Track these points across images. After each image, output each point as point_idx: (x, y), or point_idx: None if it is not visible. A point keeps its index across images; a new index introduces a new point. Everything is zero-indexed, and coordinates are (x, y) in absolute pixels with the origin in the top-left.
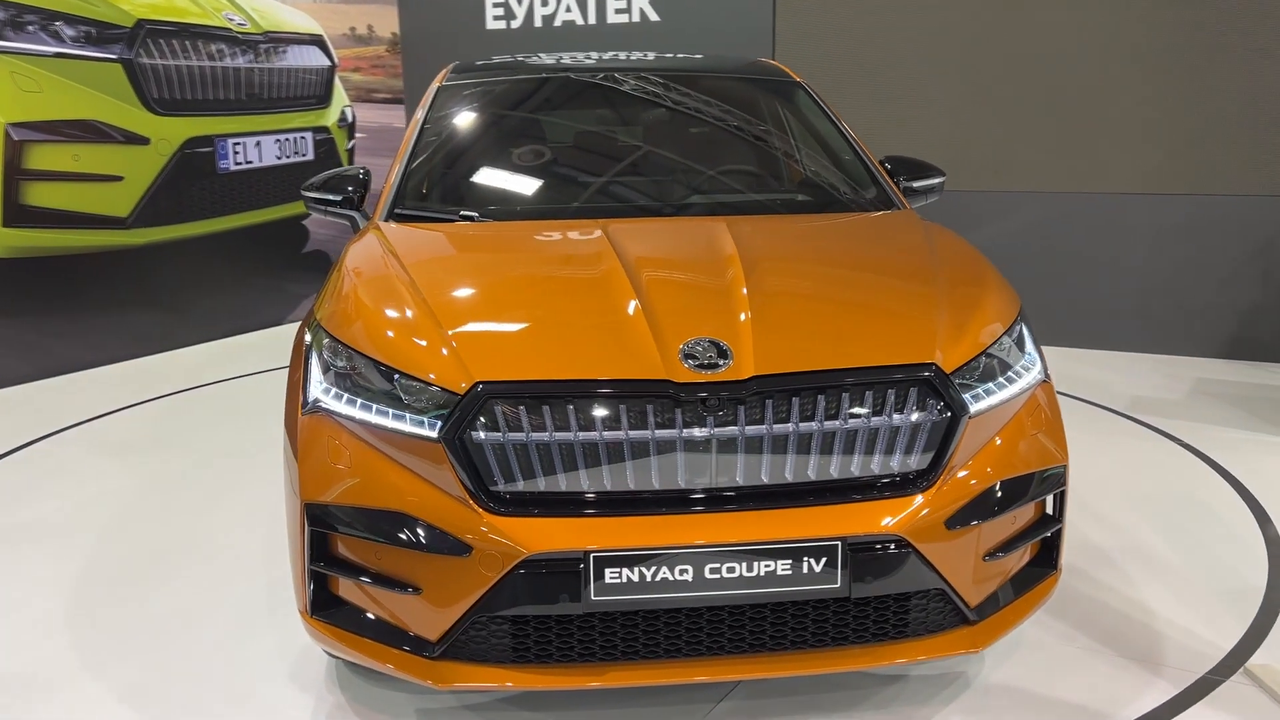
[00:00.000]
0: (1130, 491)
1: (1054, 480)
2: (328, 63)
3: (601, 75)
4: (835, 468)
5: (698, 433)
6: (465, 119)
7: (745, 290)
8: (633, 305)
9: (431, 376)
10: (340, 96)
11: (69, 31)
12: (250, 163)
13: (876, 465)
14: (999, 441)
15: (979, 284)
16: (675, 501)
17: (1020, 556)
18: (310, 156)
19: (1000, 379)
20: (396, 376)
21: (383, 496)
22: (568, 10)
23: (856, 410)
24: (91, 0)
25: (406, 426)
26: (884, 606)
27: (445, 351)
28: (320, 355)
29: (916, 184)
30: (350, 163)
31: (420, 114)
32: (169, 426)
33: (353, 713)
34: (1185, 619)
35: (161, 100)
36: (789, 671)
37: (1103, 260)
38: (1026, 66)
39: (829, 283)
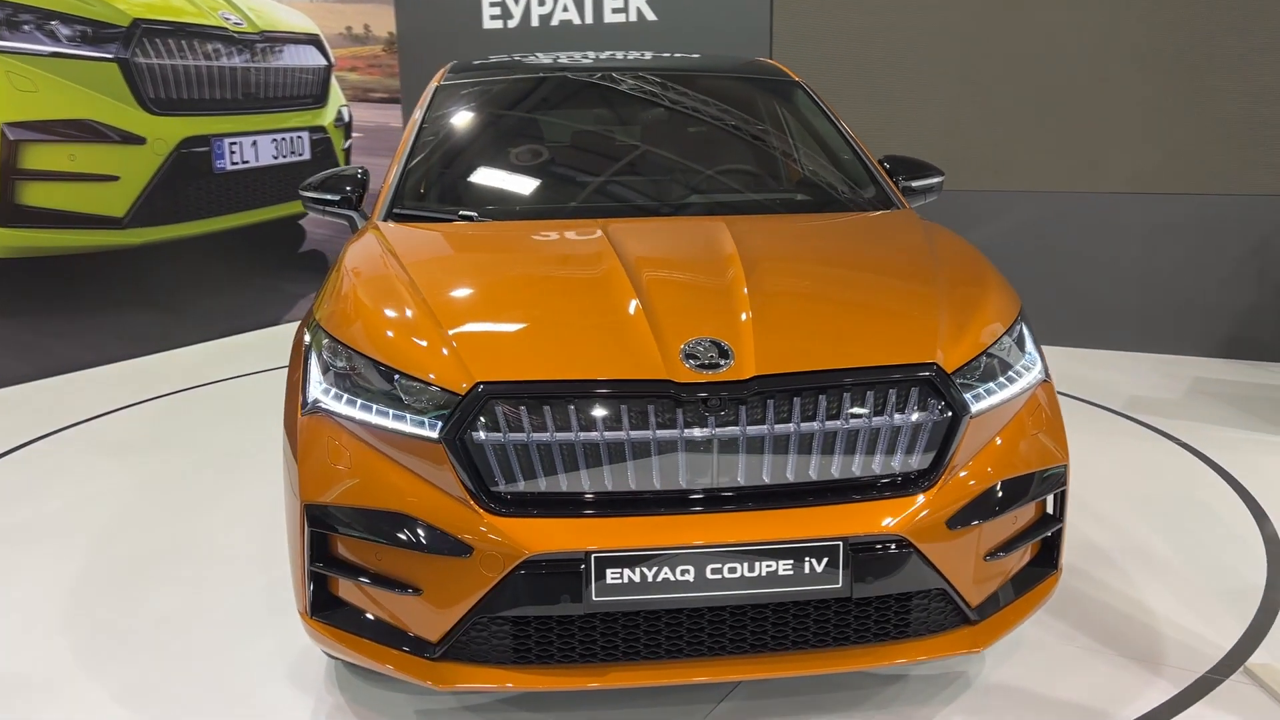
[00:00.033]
0: (1129, 491)
1: (1055, 480)
2: (324, 62)
3: (601, 75)
4: (836, 468)
5: (699, 433)
6: (464, 119)
7: (746, 290)
8: (633, 305)
9: (432, 377)
10: (337, 96)
11: (65, 31)
12: (246, 162)
13: (878, 465)
14: (1000, 441)
15: (979, 284)
16: (676, 502)
17: (1021, 556)
18: (307, 156)
19: (1001, 378)
20: (397, 377)
21: (383, 497)
22: (564, 10)
23: (858, 410)
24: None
25: (407, 427)
26: (885, 606)
27: (446, 352)
28: (320, 355)
29: (915, 183)
30: (347, 162)
31: (418, 114)
32: (167, 426)
33: (352, 714)
34: (1185, 618)
35: (157, 100)
36: (790, 672)
37: (1101, 260)
38: (1024, 66)
39: (829, 282)
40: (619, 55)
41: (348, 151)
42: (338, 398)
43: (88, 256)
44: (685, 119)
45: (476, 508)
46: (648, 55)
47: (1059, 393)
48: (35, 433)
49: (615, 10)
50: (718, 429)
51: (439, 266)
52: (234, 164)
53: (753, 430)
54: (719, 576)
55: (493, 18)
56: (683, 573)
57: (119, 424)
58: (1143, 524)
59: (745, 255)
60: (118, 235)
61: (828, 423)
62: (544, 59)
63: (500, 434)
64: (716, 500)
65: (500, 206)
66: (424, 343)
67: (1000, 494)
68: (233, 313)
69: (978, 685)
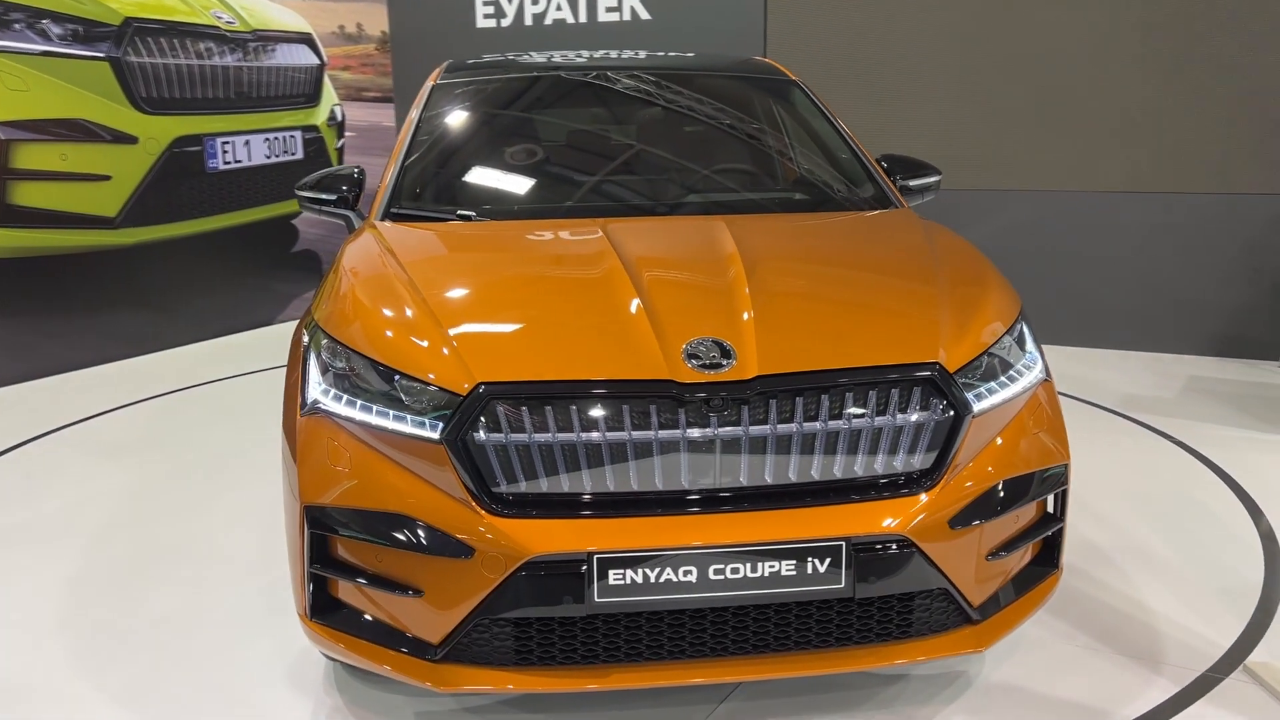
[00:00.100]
0: (1126, 489)
1: (1055, 479)
2: (317, 61)
3: (600, 74)
4: (839, 468)
5: (701, 433)
6: (461, 118)
7: (748, 289)
8: (634, 304)
9: (432, 377)
10: (329, 95)
11: (56, 30)
12: (239, 162)
13: (880, 465)
14: (1001, 441)
15: (980, 283)
16: (679, 502)
17: (1022, 556)
18: (300, 155)
19: (1002, 378)
20: (397, 377)
21: (383, 498)
22: (558, 9)
23: (860, 410)
24: None
25: (407, 428)
26: (888, 606)
27: (446, 352)
28: (319, 356)
29: (913, 183)
30: (340, 161)
31: (415, 113)
32: (163, 426)
33: (351, 715)
34: (1184, 617)
35: (149, 99)
36: (793, 672)
37: (1095, 258)
38: (1021, 66)
39: (830, 282)
40: (613, 54)
41: (341, 151)
42: (337, 398)
43: (80, 257)
44: (686, 118)
45: (478, 509)
46: (642, 54)
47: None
48: (30, 433)
49: (609, 9)
50: (720, 429)
51: (438, 266)
52: (226, 163)
53: (755, 430)
54: (721, 577)
55: (486, 16)
56: (685, 573)
57: (114, 424)
58: (1140, 522)
59: (746, 255)
60: (110, 235)
61: (830, 422)
62: (539, 58)
63: (502, 434)
64: (719, 501)
65: (499, 206)
66: (424, 343)
67: (1002, 493)
68: (226, 313)
69: (979, 685)
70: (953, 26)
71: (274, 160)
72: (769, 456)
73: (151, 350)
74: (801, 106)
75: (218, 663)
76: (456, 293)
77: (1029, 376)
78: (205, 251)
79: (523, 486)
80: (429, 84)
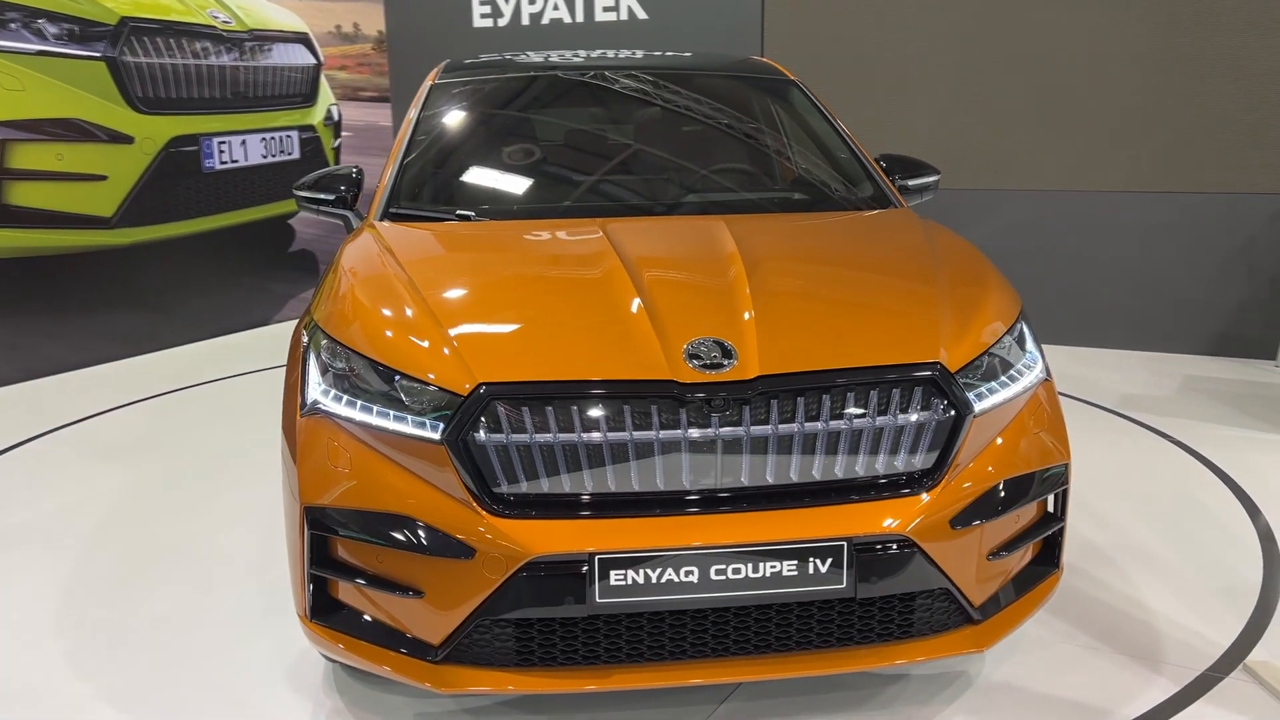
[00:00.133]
0: (1124, 489)
1: (1056, 479)
2: (313, 60)
3: (599, 74)
4: (840, 468)
5: (702, 433)
6: (460, 117)
7: (748, 289)
8: (635, 304)
9: (432, 377)
10: (326, 95)
11: (52, 29)
12: (236, 161)
13: (881, 465)
14: (1001, 441)
15: (980, 283)
16: (680, 503)
17: (1023, 555)
18: (296, 155)
19: (1003, 378)
20: (397, 378)
21: (384, 499)
22: (555, 8)
23: (861, 410)
24: None
25: (408, 428)
26: (889, 607)
27: (447, 352)
28: (318, 356)
29: (911, 182)
30: (336, 161)
31: (413, 113)
32: (160, 427)
33: (351, 716)
34: (1183, 616)
35: (146, 99)
36: (795, 673)
37: (1091, 258)
38: (1019, 65)
39: (831, 282)
40: (610, 54)
41: (337, 150)
42: (337, 399)
43: (76, 257)
44: (686, 118)
45: (479, 509)
46: (639, 54)
47: None
48: (28, 433)
49: (606, 9)
50: (721, 429)
51: (438, 266)
52: (223, 163)
53: (756, 430)
54: (723, 577)
55: (483, 16)
56: (686, 574)
57: (112, 424)
58: (1139, 522)
59: (746, 254)
60: (106, 235)
61: (831, 422)
62: (537, 58)
63: (503, 435)
64: (720, 501)
65: (498, 205)
66: (424, 343)
67: (1003, 493)
68: (222, 313)
69: (979, 684)
70: (952, 26)
71: (270, 160)
72: (770, 456)
73: (148, 350)
74: (800, 106)
75: (217, 663)
76: (456, 293)
77: (1029, 376)
78: (202, 251)
79: (524, 487)
80: (427, 83)
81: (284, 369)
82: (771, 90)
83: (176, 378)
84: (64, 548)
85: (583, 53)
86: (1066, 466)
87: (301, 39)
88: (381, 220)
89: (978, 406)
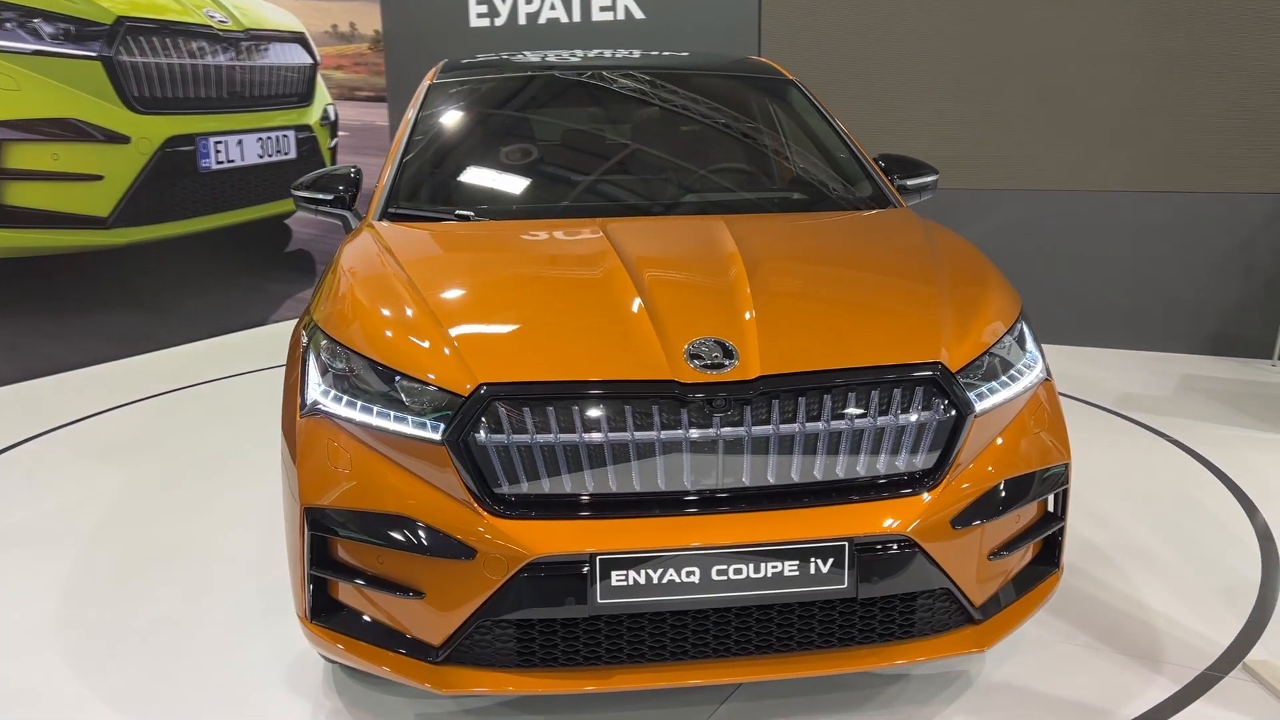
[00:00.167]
0: (1123, 488)
1: (1056, 478)
2: (310, 60)
3: (598, 74)
4: (841, 468)
5: (703, 433)
6: (459, 117)
7: (749, 289)
8: (636, 304)
9: (433, 378)
10: (322, 94)
11: (48, 29)
12: (232, 161)
13: (882, 465)
14: (1002, 440)
15: (980, 283)
16: (681, 503)
17: (1023, 555)
18: (293, 155)
19: (1003, 377)
20: (397, 378)
21: (384, 500)
22: (552, 8)
23: (862, 410)
24: None
25: (408, 429)
26: (890, 607)
27: (447, 352)
28: (318, 357)
29: (910, 182)
30: (333, 161)
31: (411, 112)
32: (158, 427)
33: (350, 717)
34: (1183, 615)
35: (142, 98)
36: (796, 673)
37: (1089, 257)
38: (1017, 65)
39: (831, 281)
40: (607, 54)
41: (334, 150)
42: (337, 399)
43: (73, 257)
44: (685, 118)
45: (480, 510)
46: (636, 54)
47: None
48: (26, 433)
49: (603, 8)
50: (722, 429)
51: (437, 266)
52: (219, 163)
53: (758, 430)
54: (724, 578)
55: (479, 15)
56: (688, 574)
57: (110, 424)
58: (1138, 521)
59: (747, 254)
60: (102, 235)
61: (833, 423)
62: (534, 58)
63: (504, 435)
64: (721, 501)
65: (497, 205)
66: (425, 343)
67: (1004, 493)
68: (219, 313)
69: (979, 684)
70: (950, 25)
71: (267, 160)
72: (771, 457)
73: (145, 351)
74: (799, 106)
75: (217, 664)
76: (456, 293)
77: (1030, 376)
78: (198, 251)
79: (525, 487)
80: (426, 83)
81: (281, 369)
82: (770, 90)
83: (174, 378)
84: (63, 548)
85: (580, 52)
86: (1067, 466)
87: (298, 38)
88: (380, 220)
89: (979, 406)
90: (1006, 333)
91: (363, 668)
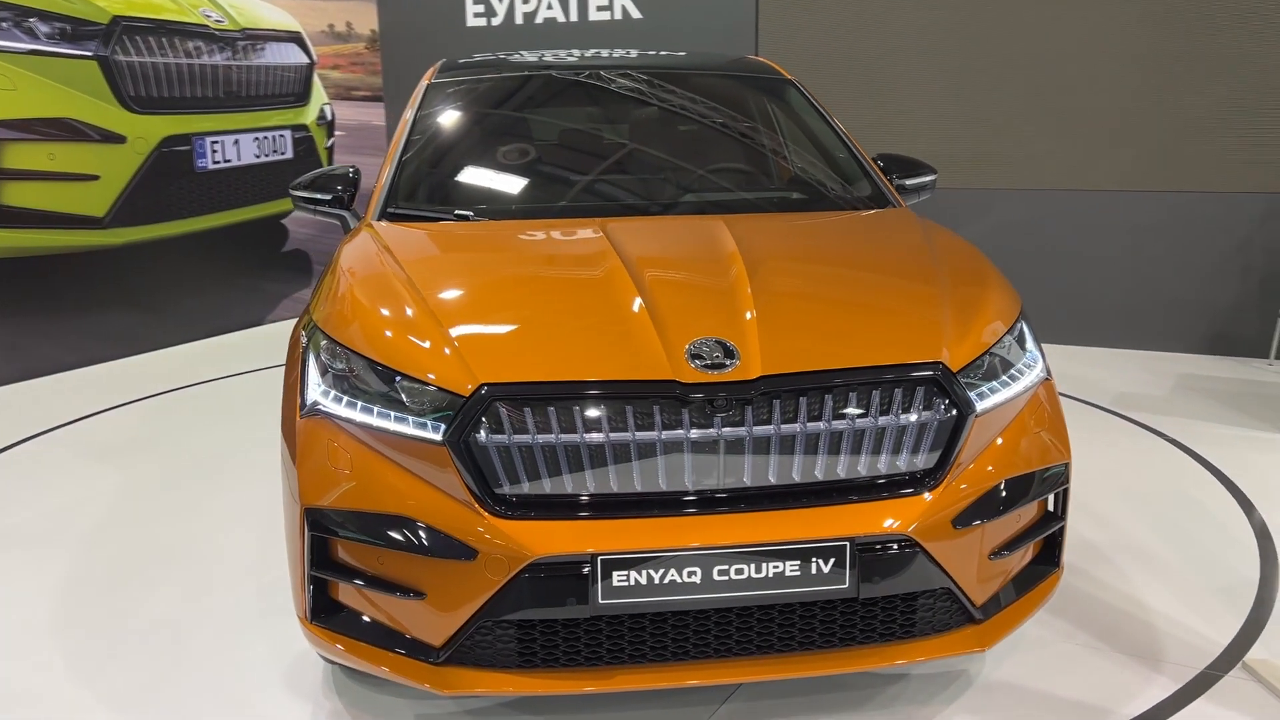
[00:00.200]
0: (1121, 488)
1: (1056, 478)
2: (306, 60)
3: (596, 73)
4: (843, 468)
5: (704, 433)
6: (457, 117)
7: (750, 289)
8: (637, 304)
9: (433, 378)
10: (319, 94)
11: (44, 28)
12: (229, 161)
13: (884, 465)
14: (1002, 440)
15: (980, 283)
16: (682, 503)
17: (1023, 555)
18: (289, 155)
19: (1003, 377)
20: (397, 378)
21: (384, 500)
22: (549, 7)
23: (863, 410)
24: None
25: (409, 429)
26: (891, 606)
27: (447, 352)
28: (318, 357)
29: (909, 182)
30: (330, 161)
31: (410, 112)
32: (155, 427)
33: (350, 718)
34: (1182, 614)
35: (138, 98)
36: (797, 673)
37: (1087, 257)
38: (1015, 64)
39: (832, 281)
40: (605, 53)
41: (330, 150)
42: (337, 400)
43: (69, 257)
44: (684, 118)
45: (481, 510)
46: (634, 53)
47: None
48: (23, 433)
49: (600, 8)
50: (723, 429)
51: (437, 266)
52: (216, 163)
53: (759, 430)
54: (726, 578)
55: (476, 15)
56: (689, 574)
57: (107, 425)
58: (1137, 520)
59: (747, 254)
60: (99, 235)
61: (834, 422)
62: (531, 57)
63: (504, 436)
64: (723, 501)
65: (496, 205)
66: (425, 344)
67: (1004, 493)
68: (216, 313)
69: (979, 684)
70: (948, 24)
71: (263, 160)
72: (772, 457)
73: (141, 351)
74: (797, 105)
75: (216, 664)
76: (456, 293)
77: (1030, 376)
78: (195, 251)
79: (526, 488)
80: (424, 83)
81: (279, 369)
82: (768, 89)
83: (171, 378)
84: (62, 548)
85: (577, 52)
86: (1067, 466)
87: (294, 38)
88: (379, 220)
89: (979, 406)
90: (1007, 332)
91: (363, 668)
